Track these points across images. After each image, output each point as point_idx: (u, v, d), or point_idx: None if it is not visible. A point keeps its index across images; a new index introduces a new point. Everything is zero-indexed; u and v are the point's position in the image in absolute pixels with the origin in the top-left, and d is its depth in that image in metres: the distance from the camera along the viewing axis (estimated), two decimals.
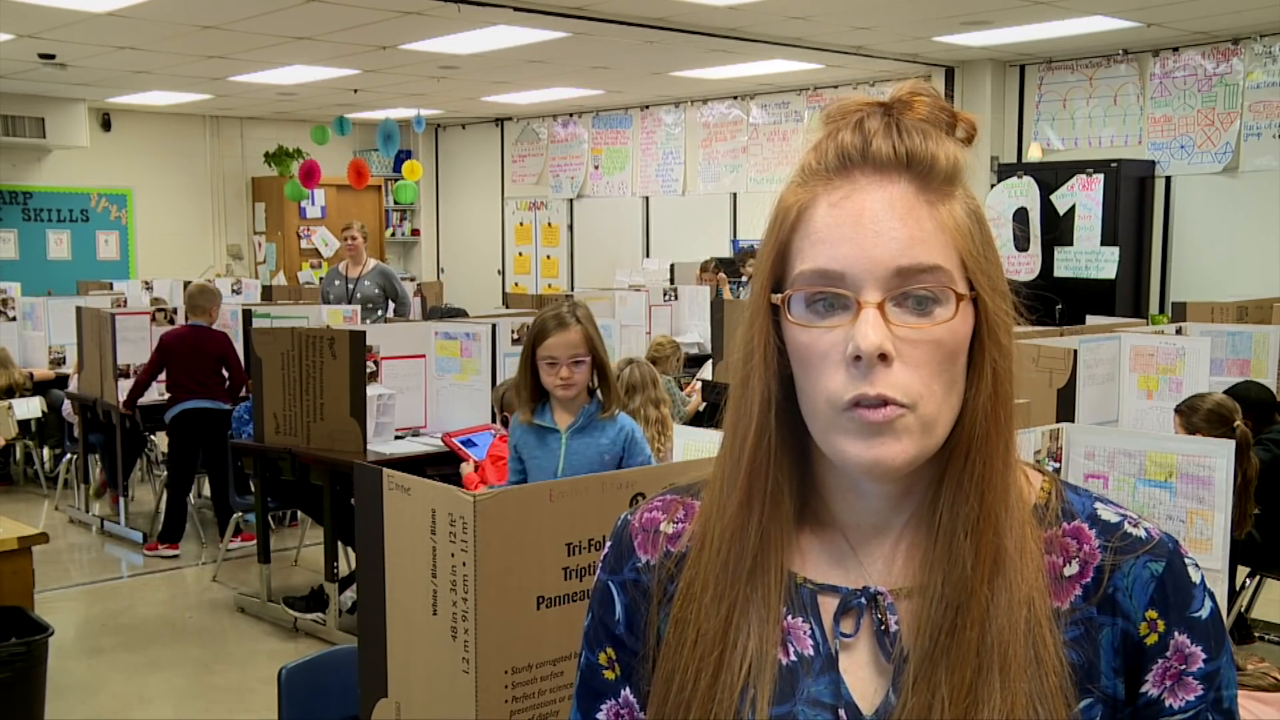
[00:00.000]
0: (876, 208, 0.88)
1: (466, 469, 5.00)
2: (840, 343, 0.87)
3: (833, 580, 0.95)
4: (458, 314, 9.42)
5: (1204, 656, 0.91)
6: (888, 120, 0.91)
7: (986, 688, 0.86)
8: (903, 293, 0.87)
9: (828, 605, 0.95)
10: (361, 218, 14.86)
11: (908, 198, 0.88)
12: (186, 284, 10.74)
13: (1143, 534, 0.92)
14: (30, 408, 7.56)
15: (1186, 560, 0.92)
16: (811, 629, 0.94)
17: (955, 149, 0.91)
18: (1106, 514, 0.94)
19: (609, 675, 1.04)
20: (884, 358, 0.86)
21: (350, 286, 8.08)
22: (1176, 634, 0.90)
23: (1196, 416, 3.90)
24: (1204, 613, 0.91)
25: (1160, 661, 0.90)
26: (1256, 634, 4.93)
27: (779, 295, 0.91)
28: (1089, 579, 0.92)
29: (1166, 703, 0.90)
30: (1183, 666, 0.90)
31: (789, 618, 0.95)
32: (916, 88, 0.93)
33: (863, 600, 0.93)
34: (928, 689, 0.87)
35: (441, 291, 12.38)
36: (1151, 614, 0.90)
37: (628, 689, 1.03)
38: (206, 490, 7.76)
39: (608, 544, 1.07)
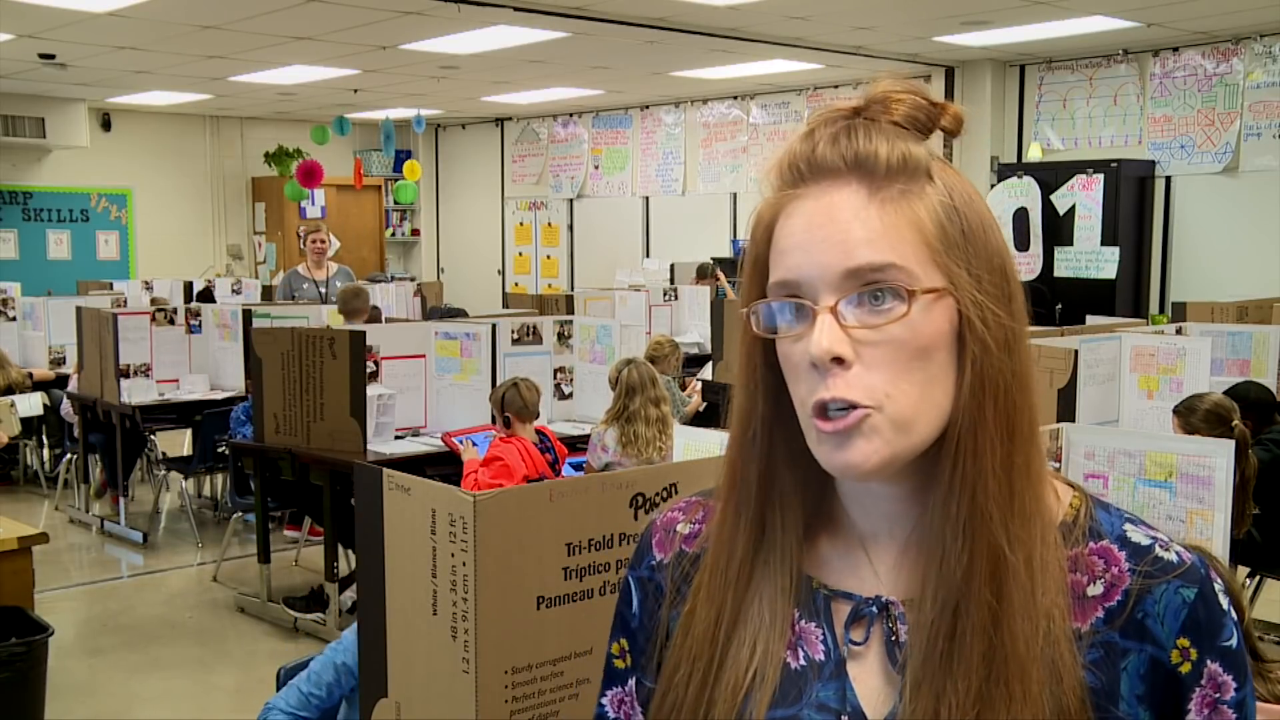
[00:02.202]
0: (824, 213, 0.88)
1: (470, 454, 5.02)
2: (806, 350, 0.88)
3: (847, 587, 0.95)
4: (458, 314, 9.44)
5: (1235, 685, 0.89)
6: (841, 126, 0.91)
7: (1000, 698, 0.85)
8: (858, 294, 0.87)
9: (840, 611, 0.95)
10: (361, 218, 14.91)
11: (857, 199, 0.88)
12: (187, 284, 10.79)
13: (1174, 558, 0.90)
14: (32, 404, 7.55)
15: (1217, 587, 0.90)
16: (824, 634, 0.94)
17: (905, 143, 0.89)
18: (1137, 535, 0.92)
19: (620, 664, 1.07)
20: (840, 361, 0.86)
21: (323, 289, 8.14)
22: (1209, 662, 0.89)
23: (1195, 417, 3.89)
24: (1234, 642, 0.90)
25: (1198, 690, 0.89)
26: (1256, 634, 4.92)
27: (744, 310, 0.93)
28: (1114, 601, 0.89)
29: None
30: (1217, 695, 0.89)
31: (802, 621, 0.95)
32: (891, 85, 0.92)
33: (874, 609, 0.93)
34: (932, 694, 0.86)
35: (441, 291, 12.38)
36: (1183, 641, 0.88)
37: (632, 680, 1.06)
38: (207, 490, 7.78)
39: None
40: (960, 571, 0.87)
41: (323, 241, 8.23)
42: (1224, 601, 0.90)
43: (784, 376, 0.92)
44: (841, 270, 0.87)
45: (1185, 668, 0.88)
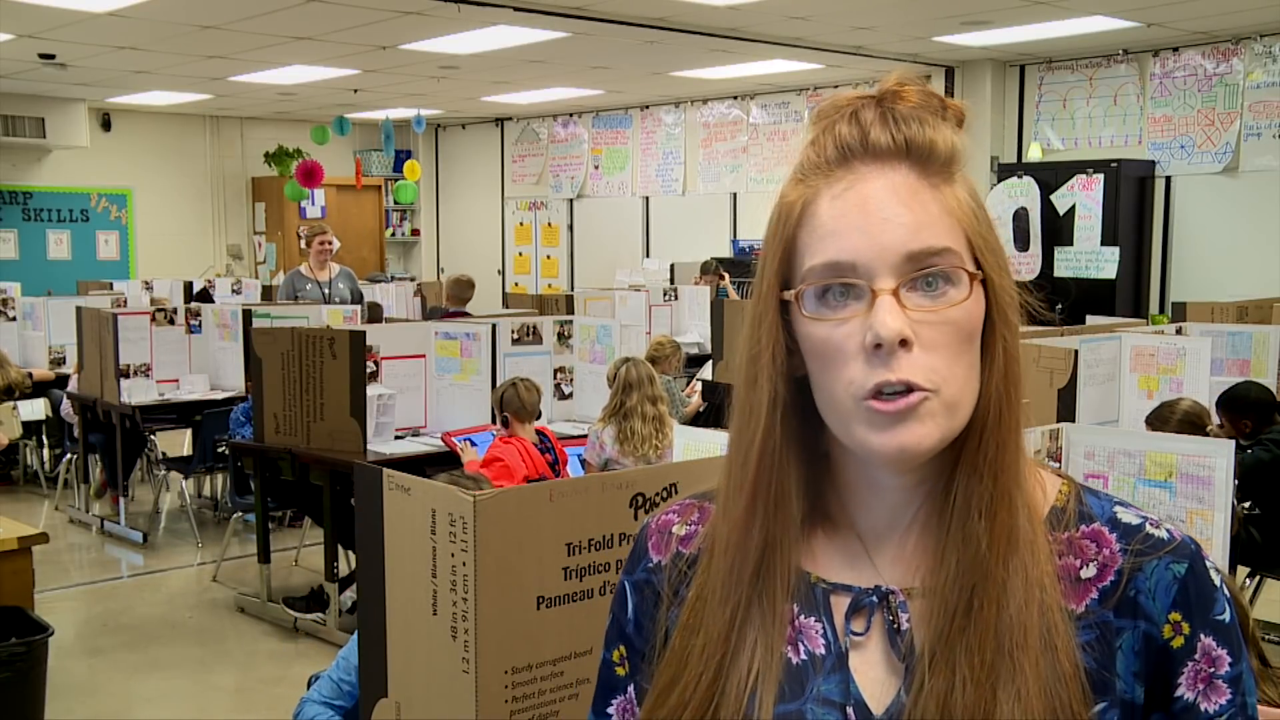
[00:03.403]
0: (881, 195, 0.88)
1: (469, 456, 5.02)
2: (857, 333, 0.87)
3: (845, 580, 0.95)
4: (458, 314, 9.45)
5: (1229, 660, 0.90)
6: (882, 111, 0.91)
7: (1006, 667, 0.86)
8: (915, 277, 0.87)
9: (840, 604, 0.95)
10: (361, 218, 14.91)
11: (910, 183, 0.89)
12: (187, 284, 10.80)
13: (1165, 535, 0.92)
14: (35, 409, 7.57)
15: (1208, 563, 0.91)
16: (824, 628, 0.94)
17: (951, 134, 0.92)
18: (1127, 516, 0.93)
19: (619, 672, 1.06)
20: (904, 343, 0.86)
21: (326, 290, 8.15)
22: (1202, 636, 0.89)
23: (1168, 428, 3.83)
24: (1226, 616, 0.91)
25: (1190, 664, 0.89)
26: (1260, 636, 4.92)
27: (791, 292, 0.91)
28: (1107, 582, 0.91)
29: (1202, 707, 0.89)
30: (1211, 669, 0.89)
31: (801, 617, 0.95)
32: (903, 78, 0.93)
33: (874, 599, 0.93)
34: (947, 668, 0.87)
35: (442, 292, 12.37)
36: (1175, 616, 0.89)
37: (632, 686, 1.05)
38: (207, 490, 7.78)
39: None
40: (982, 551, 0.89)
41: (329, 243, 8.23)
42: (1215, 577, 0.91)
43: (811, 364, 0.91)
44: (904, 253, 0.87)
45: (1178, 642, 0.89)
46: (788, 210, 0.93)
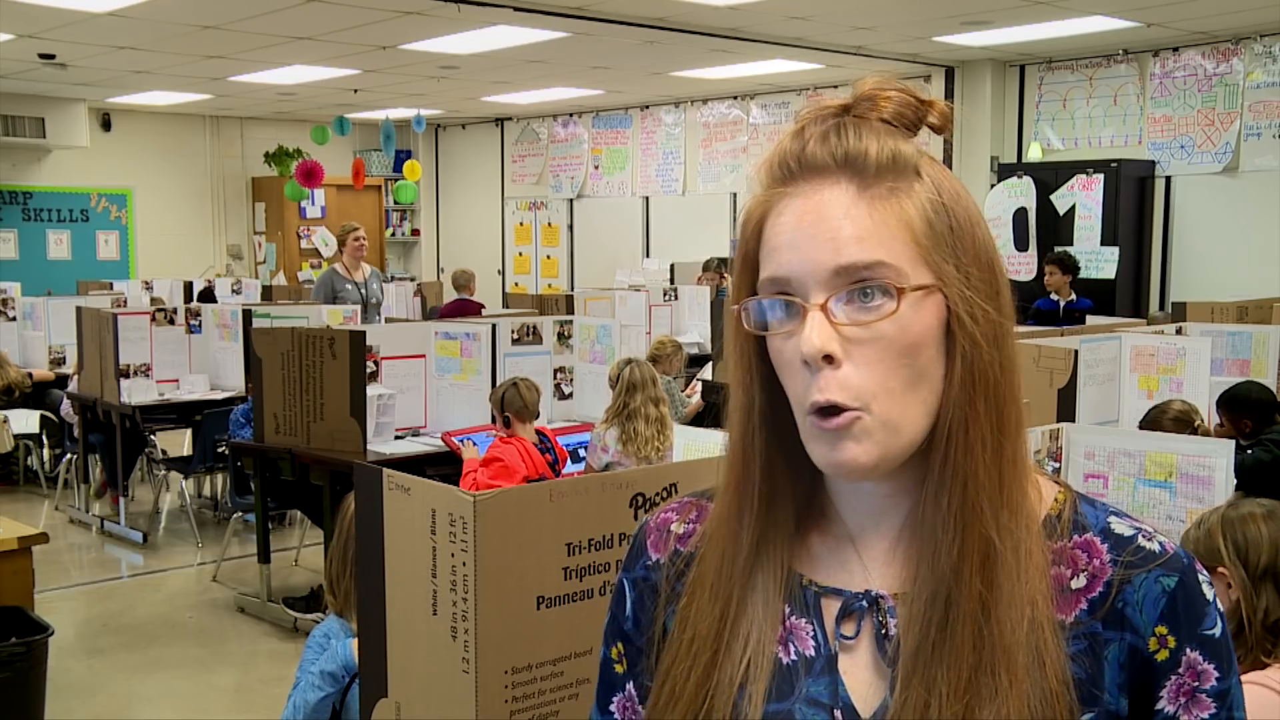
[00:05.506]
0: (815, 211, 0.89)
1: (470, 453, 5.02)
2: (797, 347, 0.88)
3: (836, 583, 0.96)
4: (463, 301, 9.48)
5: (1216, 674, 0.90)
6: (831, 123, 0.91)
7: (987, 686, 0.86)
8: (847, 290, 0.87)
9: (830, 607, 0.95)
10: (361, 218, 14.86)
11: (847, 197, 0.88)
12: (187, 284, 10.81)
13: (1156, 548, 0.91)
14: (30, 422, 7.56)
15: (1200, 577, 0.91)
16: (814, 630, 0.95)
17: (895, 141, 0.90)
18: (1120, 527, 0.93)
19: (619, 669, 1.06)
20: (830, 359, 0.86)
21: (364, 291, 8.13)
22: (1188, 650, 0.89)
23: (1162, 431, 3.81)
24: (1216, 630, 0.90)
25: (1173, 678, 0.89)
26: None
27: (736, 307, 0.93)
28: (1096, 593, 0.91)
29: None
30: (1195, 683, 0.89)
31: (792, 618, 0.96)
32: (880, 83, 0.93)
33: (864, 603, 0.94)
34: (923, 685, 0.87)
35: (441, 291, 12.38)
36: (1161, 629, 0.89)
37: (631, 683, 1.06)
38: (207, 490, 7.78)
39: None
40: (952, 563, 0.88)
41: (363, 240, 8.17)
42: (1208, 592, 0.91)
43: (777, 372, 0.93)
44: (831, 268, 0.87)
45: (1162, 655, 0.89)
46: (745, 225, 0.95)
